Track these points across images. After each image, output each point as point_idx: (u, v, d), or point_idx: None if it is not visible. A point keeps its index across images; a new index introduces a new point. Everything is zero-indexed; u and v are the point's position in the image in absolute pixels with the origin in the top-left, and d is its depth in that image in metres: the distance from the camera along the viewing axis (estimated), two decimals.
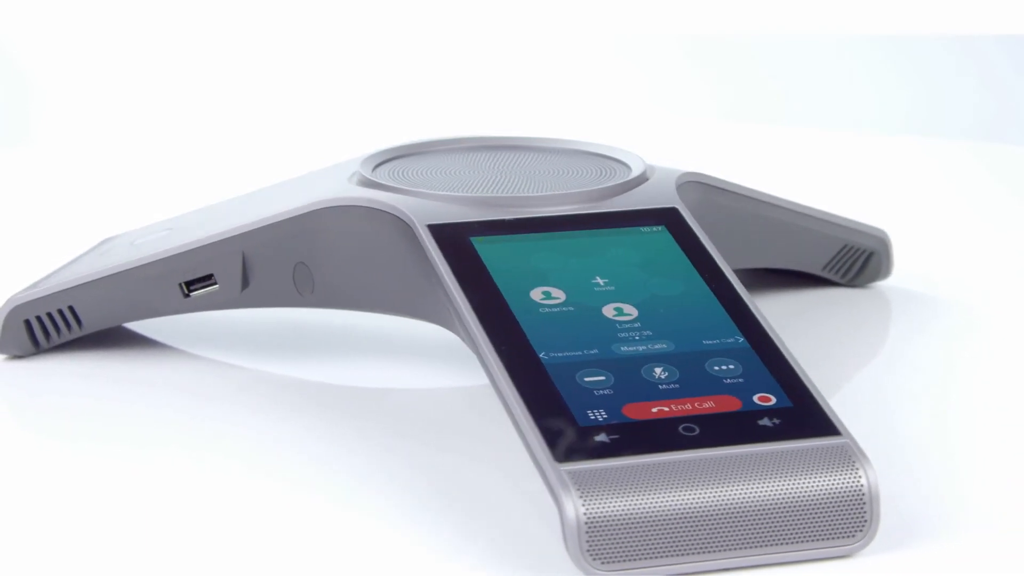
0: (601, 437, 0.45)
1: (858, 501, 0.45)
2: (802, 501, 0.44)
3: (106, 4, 1.37)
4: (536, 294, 0.51)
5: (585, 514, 0.43)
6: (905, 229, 0.68)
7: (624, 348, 0.49)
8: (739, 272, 0.67)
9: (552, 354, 0.48)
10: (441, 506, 0.48)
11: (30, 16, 1.37)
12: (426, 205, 0.54)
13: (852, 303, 0.66)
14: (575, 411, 0.46)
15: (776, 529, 0.44)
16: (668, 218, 0.54)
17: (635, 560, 0.44)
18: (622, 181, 0.56)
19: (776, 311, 0.64)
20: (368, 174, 0.57)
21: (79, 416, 0.57)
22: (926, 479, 0.50)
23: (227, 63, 1.39)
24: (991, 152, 1.01)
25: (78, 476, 0.52)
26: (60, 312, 0.60)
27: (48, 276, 0.62)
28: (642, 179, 0.57)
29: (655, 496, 0.44)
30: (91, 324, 0.60)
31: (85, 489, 0.51)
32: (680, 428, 0.46)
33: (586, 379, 0.47)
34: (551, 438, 0.45)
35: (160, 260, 0.58)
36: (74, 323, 0.60)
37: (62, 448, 0.55)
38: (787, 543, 0.44)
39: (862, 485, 0.45)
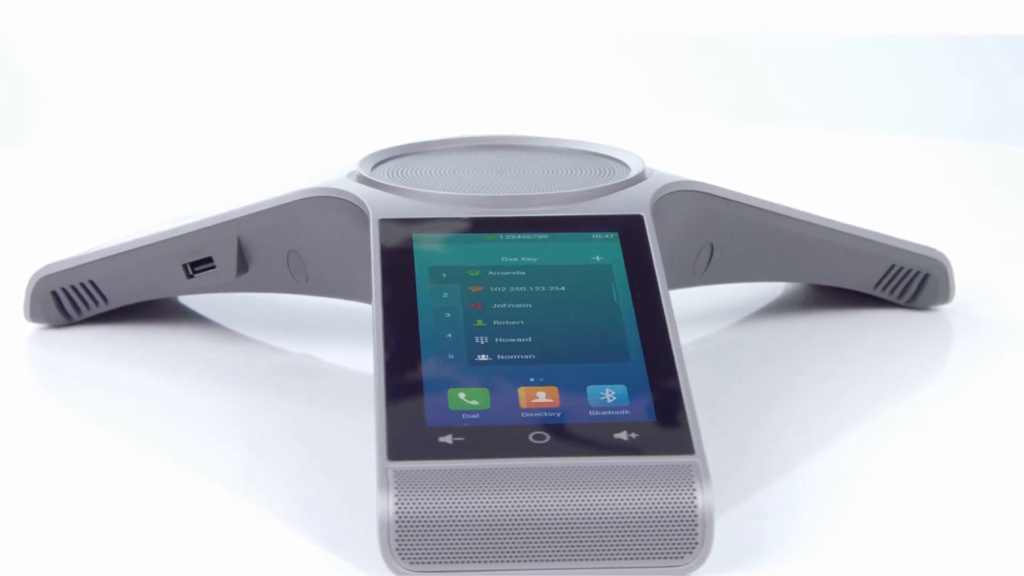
0: (446, 439, 0.45)
1: (690, 522, 0.44)
2: (630, 517, 0.44)
3: (106, 4, 1.37)
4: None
5: (396, 513, 0.43)
6: (904, 229, 0.68)
7: (506, 354, 0.48)
8: (808, 288, 0.67)
9: (436, 355, 0.48)
10: None
11: (30, 16, 1.37)
12: (391, 200, 0.54)
13: (902, 324, 0.64)
14: (429, 411, 0.45)
15: (601, 543, 0.43)
16: (625, 226, 0.53)
17: (446, 563, 0.43)
18: (604, 185, 0.55)
19: (825, 326, 0.63)
20: (367, 172, 0.58)
21: (92, 386, 0.58)
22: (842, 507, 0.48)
23: (229, 64, 1.39)
24: (991, 152, 1.01)
25: (80, 447, 0.52)
26: (83, 285, 0.61)
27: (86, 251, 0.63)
28: (629, 183, 0.56)
29: (476, 501, 0.43)
30: (115, 299, 0.61)
31: (84, 461, 0.51)
32: (530, 436, 0.45)
33: (457, 381, 0.47)
34: (393, 435, 0.45)
35: (161, 241, 0.59)
36: (99, 297, 0.61)
37: (68, 416, 0.55)
38: (611, 559, 0.44)
39: (695, 506, 0.44)
